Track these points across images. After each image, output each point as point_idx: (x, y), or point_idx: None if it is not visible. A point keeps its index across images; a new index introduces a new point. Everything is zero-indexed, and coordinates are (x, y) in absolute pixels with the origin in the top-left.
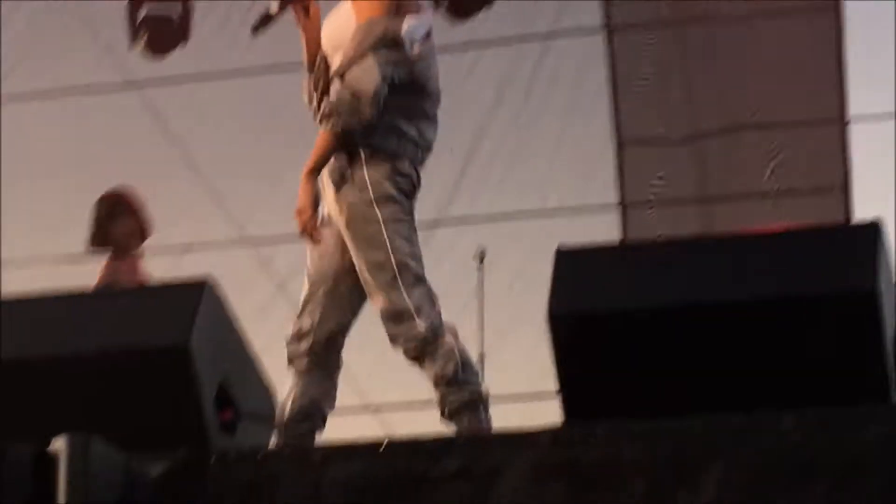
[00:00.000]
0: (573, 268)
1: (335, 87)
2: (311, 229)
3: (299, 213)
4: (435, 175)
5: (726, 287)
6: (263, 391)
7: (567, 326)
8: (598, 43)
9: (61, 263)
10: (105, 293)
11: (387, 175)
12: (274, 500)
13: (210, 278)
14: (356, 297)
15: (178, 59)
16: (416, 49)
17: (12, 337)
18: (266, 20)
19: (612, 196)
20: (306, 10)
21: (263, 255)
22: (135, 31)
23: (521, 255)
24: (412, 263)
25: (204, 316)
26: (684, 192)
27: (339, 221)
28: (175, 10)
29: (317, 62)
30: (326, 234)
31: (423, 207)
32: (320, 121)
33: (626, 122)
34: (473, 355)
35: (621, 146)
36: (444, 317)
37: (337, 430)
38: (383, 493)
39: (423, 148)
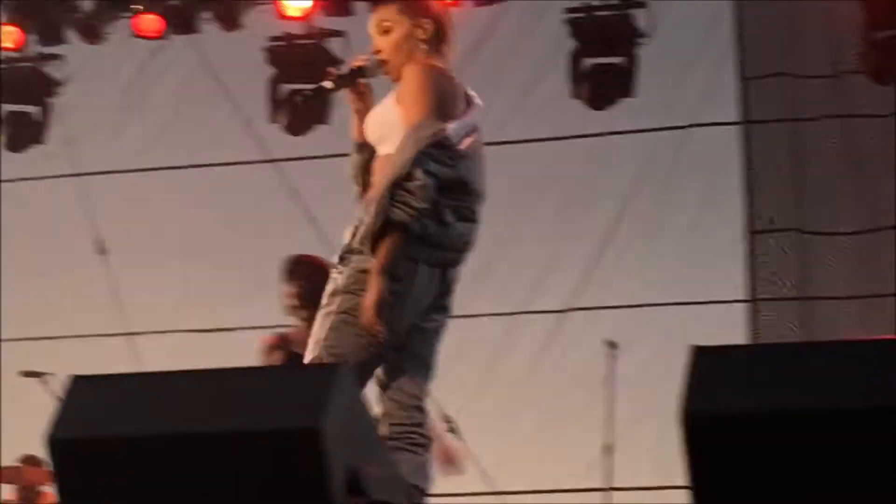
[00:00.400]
0: (708, 366)
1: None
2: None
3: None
4: (568, 262)
5: (860, 393)
6: (395, 479)
7: (699, 425)
8: (734, 135)
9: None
10: (242, 371)
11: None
12: None
13: (343, 366)
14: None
15: (315, 138)
16: (459, 148)
17: (151, 412)
18: (319, 92)
19: (743, 288)
20: (360, 92)
21: None
22: (275, 108)
23: (651, 345)
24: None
25: (338, 399)
26: (818, 288)
27: None
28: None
29: (365, 144)
30: None
31: (556, 295)
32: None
33: (760, 214)
34: (600, 445)
35: (754, 237)
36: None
37: None
38: None
39: (453, 248)
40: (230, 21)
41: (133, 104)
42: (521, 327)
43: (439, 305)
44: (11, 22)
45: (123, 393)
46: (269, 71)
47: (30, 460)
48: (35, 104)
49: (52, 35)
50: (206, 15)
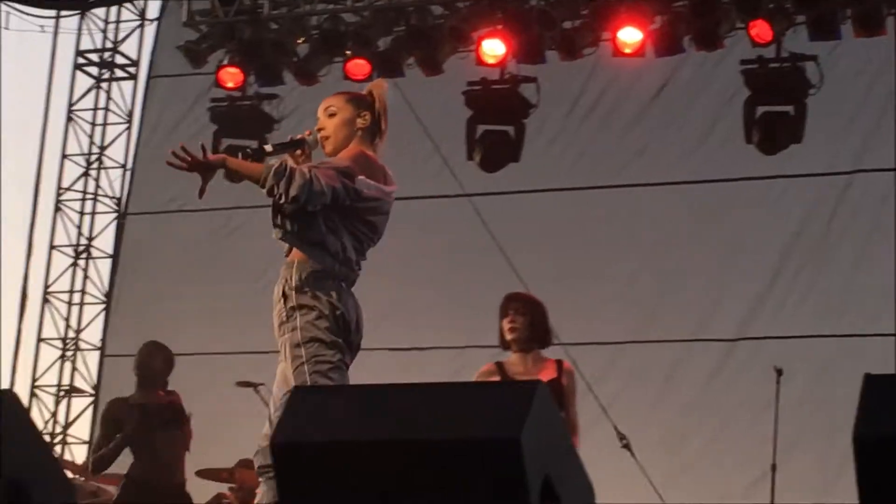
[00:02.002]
0: (880, 393)
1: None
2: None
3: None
4: (739, 294)
5: None
6: (585, 488)
7: (872, 449)
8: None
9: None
10: (451, 386)
11: (313, 319)
12: None
13: (540, 382)
14: None
15: (507, 174)
16: (365, 192)
17: (367, 420)
18: (260, 152)
19: None
20: (297, 161)
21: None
22: (472, 146)
23: (812, 372)
24: None
25: (535, 413)
26: None
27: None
28: (510, 131)
29: None
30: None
31: (726, 324)
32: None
33: None
34: (765, 466)
35: None
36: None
37: None
38: None
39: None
40: (432, 66)
41: None
42: (693, 354)
43: None
44: (233, 64)
45: (340, 403)
46: (467, 112)
47: (245, 463)
48: (255, 138)
49: (270, 76)
50: (410, 60)
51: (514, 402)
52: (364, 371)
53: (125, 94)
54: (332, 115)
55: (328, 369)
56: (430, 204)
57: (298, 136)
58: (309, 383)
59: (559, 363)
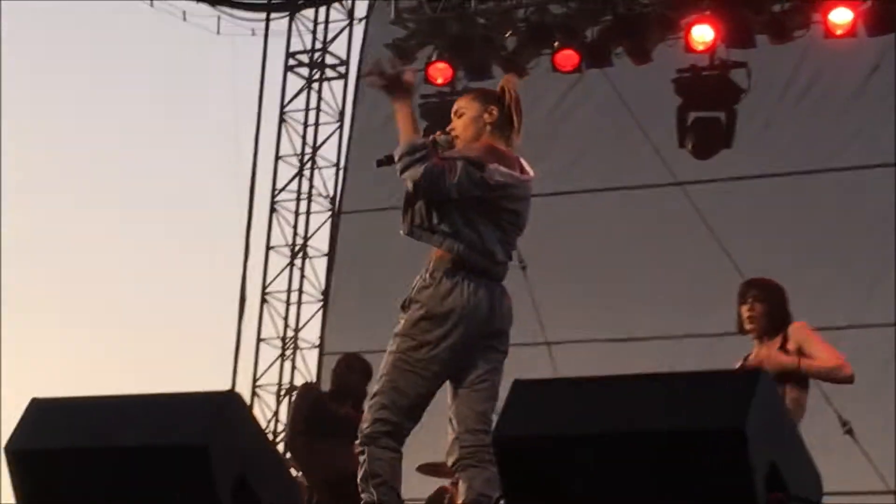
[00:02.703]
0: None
1: None
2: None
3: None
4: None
5: None
6: (811, 475)
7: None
8: None
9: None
10: (672, 376)
11: (415, 319)
12: None
13: (762, 370)
14: None
15: (719, 161)
16: (496, 179)
17: (586, 412)
18: (391, 160)
19: None
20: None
21: None
22: (683, 135)
23: None
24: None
25: (759, 401)
26: None
27: None
28: (721, 117)
29: None
30: None
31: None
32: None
33: None
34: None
35: None
36: None
37: None
38: None
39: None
40: (641, 55)
41: (553, 132)
42: None
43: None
44: (441, 59)
45: (562, 395)
46: (677, 100)
47: None
48: None
49: (479, 71)
50: (618, 50)
51: (738, 391)
52: (585, 363)
53: (336, 93)
54: (460, 116)
55: (407, 369)
56: (644, 194)
57: (430, 137)
58: (384, 377)
59: (785, 331)
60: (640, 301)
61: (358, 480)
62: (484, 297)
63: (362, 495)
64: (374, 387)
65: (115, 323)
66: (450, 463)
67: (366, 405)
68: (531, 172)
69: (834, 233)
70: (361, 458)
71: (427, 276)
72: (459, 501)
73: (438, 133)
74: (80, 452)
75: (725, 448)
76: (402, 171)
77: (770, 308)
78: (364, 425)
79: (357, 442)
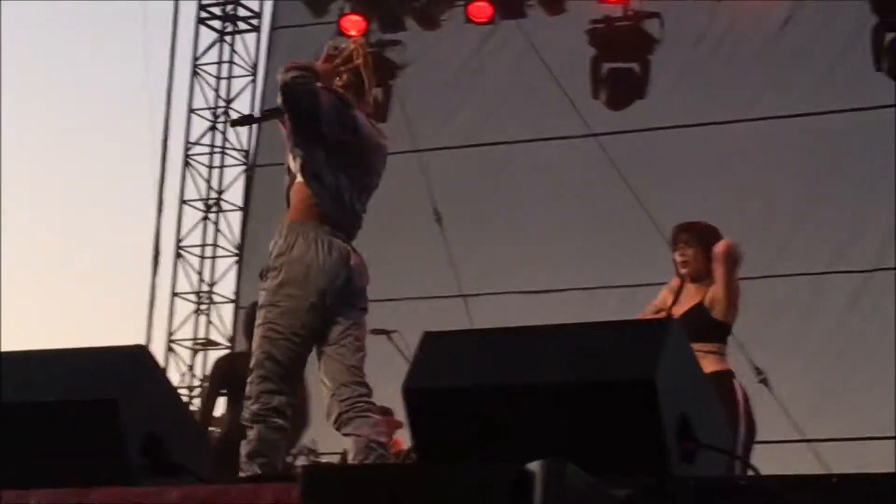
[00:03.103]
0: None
1: None
2: None
3: None
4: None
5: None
6: (721, 424)
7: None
8: None
9: (523, 296)
10: (580, 326)
11: (275, 287)
12: None
13: (672, 319)
14: None
15: (634, 112)
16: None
17: (497, 364)
18: (248, 120)
19: None
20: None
21: None
22: (597, 86)
23: None
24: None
25: (668, 352)
26: None
27: None
28: (636, 67)
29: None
30: None
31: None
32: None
33: None
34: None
35: None
36: None
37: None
38: None
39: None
40: (554, 6)
41: (468, 85)
42: (829, 287)
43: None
44: (354, 12)
45: (471, 347)
46: (591, 51)
47: (382, 410)
48: (378, 86)
49: (392, 23)
50: (531, 1)
51: (648, 341)
52: (502, 315)
53: (249, 46)
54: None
55: (276, 339)
56: (559, 145)
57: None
58: (258, 350)
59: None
60: (556, 253)
61: (242, 455)
62: (338, 255)
63: (243, 467)
64: (250, 363)
65: (28, 277)
66: (331, 420)
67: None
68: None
69: (748, 183)
70: (249, 434)
71: (281, 241)
72: (352, 456)
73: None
74: None
75: (636, 399)
76: (281, 75)
77: (702, 251)
78: (249, 402)
79: (246, 418)
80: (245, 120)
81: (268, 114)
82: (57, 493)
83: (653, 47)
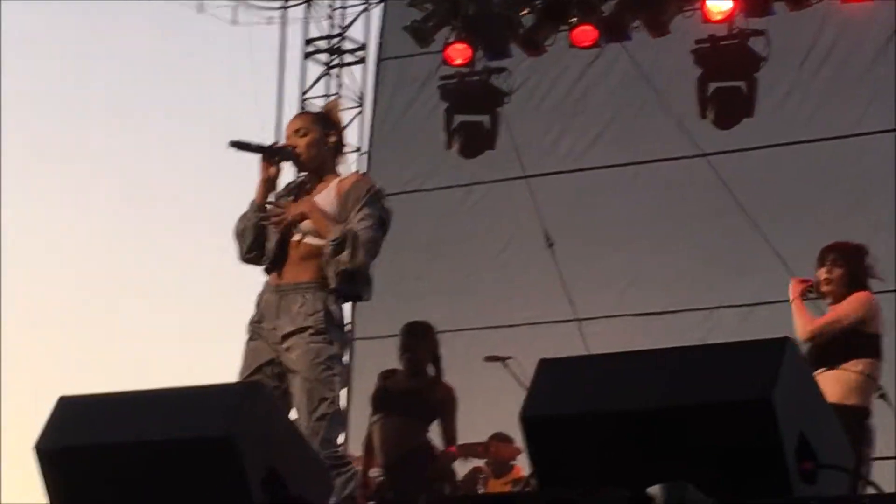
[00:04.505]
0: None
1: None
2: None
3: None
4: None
5: None
6: (841, 443)
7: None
8: None
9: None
10: (696, 349)
11: None
12: None
13: (789, 339)
14: None
15: (742, 131)
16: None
17: (615, 389)
18: (244, 147)
19: None
20: (277, 168)
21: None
22: (704, 105)
23: None
24: None
25: (786, 370)
26: None
27: None
28: (742, 86)
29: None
30: None
31: None
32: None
33: None
34: None
35: None
36: None
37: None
38: None
39: None
40: (659, 27)
41: (574, 109)
42: None
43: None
44: (460, 40)
45: (586, 373)
46: (697, 71)
47: (499, 437)
48: (485, 113)
49: (497, 50)
50: (636, 23)
51: (765, 361)
52: (617, 337)
53: (356, 78)
54: (303, 136)
55: None
56: (668, 167)
57: (280, 146)
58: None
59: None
60: (670, 275)
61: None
62: None
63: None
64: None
65: None
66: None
67: None
68: None
69: (860, 198)
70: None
71: None
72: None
73: (286, 145)
74: (108, 448)
75: (754, 419)
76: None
77: (848, 272)
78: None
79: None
80: (244, 145)
81: (266, 149)
82: None
83: (759, 65)
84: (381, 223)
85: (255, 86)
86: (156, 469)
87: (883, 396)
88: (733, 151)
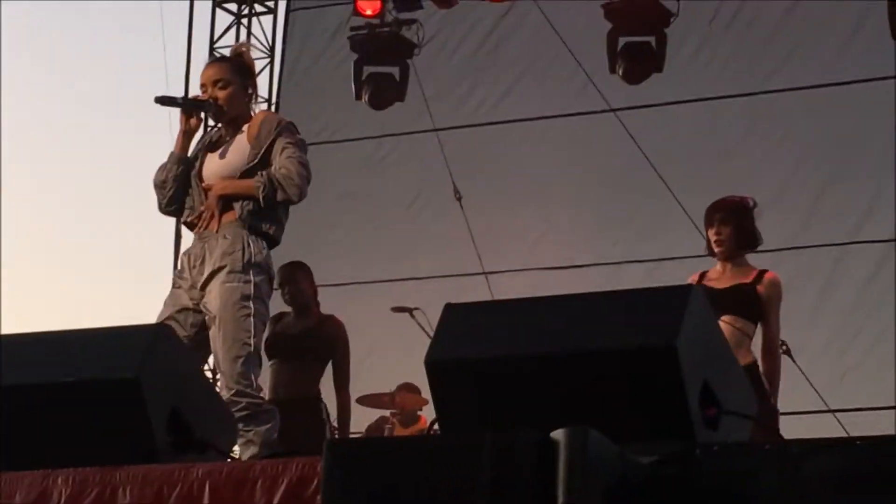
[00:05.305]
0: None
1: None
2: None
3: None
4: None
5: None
6: (744, 389)
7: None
8: None
9: (545, 273)
10: (600, 295)
11: None
12: (752, 489)
13: (694, 286)
14: None
15: (651, 86)
16: None
17: (517, 334)
18: (171, 101)
19: None
20: (197, 120)
21: None
22: (614, 60)
23: None
24: None
25: (691, 317)
26: None
27: None
28: (652, 41)
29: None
30: None
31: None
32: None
33: None
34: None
35: None
36: None
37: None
38: (859, 488)
39: None
40: None
41: (485, 62)
42: (850, 257)
43: None
44: None
45: (492, 318)
46: (607, 25)
47: (406, 387)
48: (395, 65)
49: (408, 2)
50: None
51: (670, 307)
52: (524, 291)
53: (266, 29)
54: (224, 87)
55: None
56: (577, 121)
57: (202, 98)
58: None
59: (761, 272)
60: (577, 229)
61: None
62: None
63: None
64: None
65: None
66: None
67: None
68: None
69: (764, 156)
70: None
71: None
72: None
73: (205, 96)
74: (11, 389)
75: (659, 365)
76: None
77: (736, 230)
78: None
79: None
80: (169, 101)
81: (191, 104)
82: (82, 473)
83: (669, 20)
84: (302, 147)
85: (164, 34)
86: (62, 410)
87: (787, 352)
88: (642, 107)
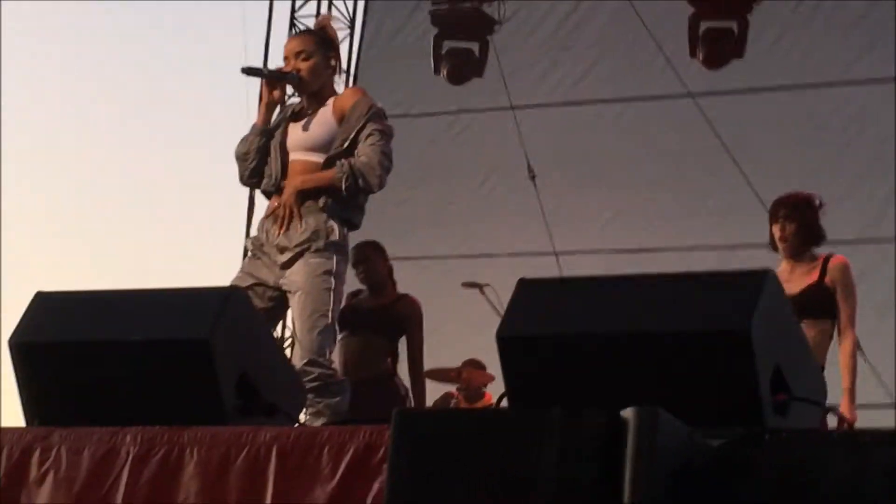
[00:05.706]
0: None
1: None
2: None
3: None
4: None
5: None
6: (816, 377)
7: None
8: None
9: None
10: (675, 276)
11: None
12: (821, 476)
13: (770, 271)
14: None
15: (731, 72)
16: None
17: (590, 312)
18: (256, 72)
19: None
20: (281, 91)
21: None
22: (694, 45)
23: None
24: None
25: (765, 302)
26: None
27: None
28: (733, 27)
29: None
30: None
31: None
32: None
33: None
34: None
35: None
36: None
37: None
38: None
39: None
40: None
41: (564, 43)
42: None
43: None
44: None
45: (566, 295)
46: (689, 10)
47: (472, 363)
48: (475, 41)
49: None
50: None
51: (743, 292)
52: (592, 272)
53: (346, 1)
54: (306, 59)
55: None
56: (655, 105)
57: (286, 70)
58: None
59: (826, 260)
60: (650, 212)
61: None
62: None
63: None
64: None
65: None
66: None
67: None
68: None
69: (847, 145)
70: None
71: None
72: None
73: (288, 69)
74: (83, 345)
75: (731, 349)
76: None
77: (801, 226)
78: None
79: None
80: (255, 71)
81: (275, 75)
82: (150, 431)
83: (752, 6)
84: (388, 136)
85: (244, 4)
86: (133, 368)
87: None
88: (721, 93)
